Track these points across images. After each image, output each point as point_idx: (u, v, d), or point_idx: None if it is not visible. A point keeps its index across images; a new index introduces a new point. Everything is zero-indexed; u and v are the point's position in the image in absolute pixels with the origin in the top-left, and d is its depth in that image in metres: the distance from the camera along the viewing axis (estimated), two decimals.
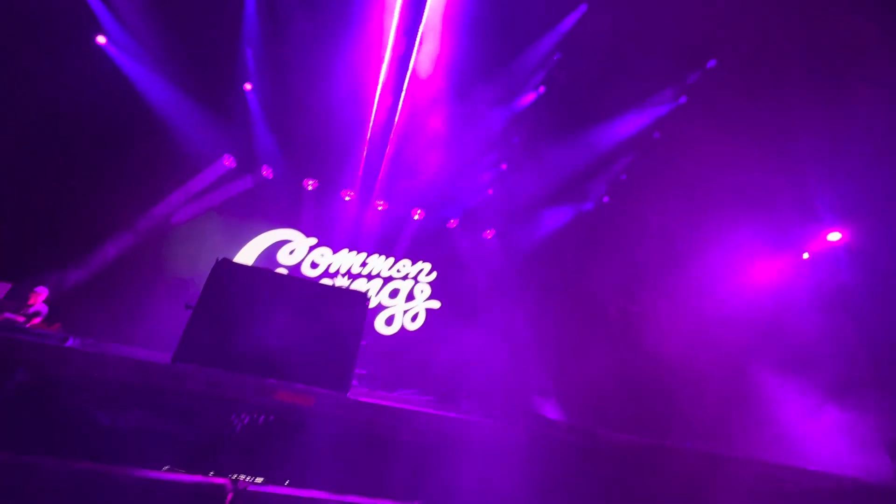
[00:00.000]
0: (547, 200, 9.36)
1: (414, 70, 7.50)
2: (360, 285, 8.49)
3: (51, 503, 2.05)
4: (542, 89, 8.17)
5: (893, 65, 6.30)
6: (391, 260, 8.86)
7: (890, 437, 4.96)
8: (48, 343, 3.01)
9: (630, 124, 8.44)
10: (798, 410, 6.30)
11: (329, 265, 8.40)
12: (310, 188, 8.43)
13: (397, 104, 7.83)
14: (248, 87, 7.53)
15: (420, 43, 7.13)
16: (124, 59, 6.89)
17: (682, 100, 8.10)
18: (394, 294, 8.71)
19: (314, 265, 8.30)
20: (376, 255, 8.78)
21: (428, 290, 8.94)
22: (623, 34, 7.32)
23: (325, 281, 8.19)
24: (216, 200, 7.85)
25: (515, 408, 4.03)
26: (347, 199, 8.69)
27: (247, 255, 7.80)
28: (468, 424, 3.25)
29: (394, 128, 8.07)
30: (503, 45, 7.68)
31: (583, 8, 7.23)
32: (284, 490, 2.36)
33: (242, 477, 2.42)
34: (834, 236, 7.56)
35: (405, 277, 8.88)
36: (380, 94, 7.72)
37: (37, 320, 4.97)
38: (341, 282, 8.35)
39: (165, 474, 2.31)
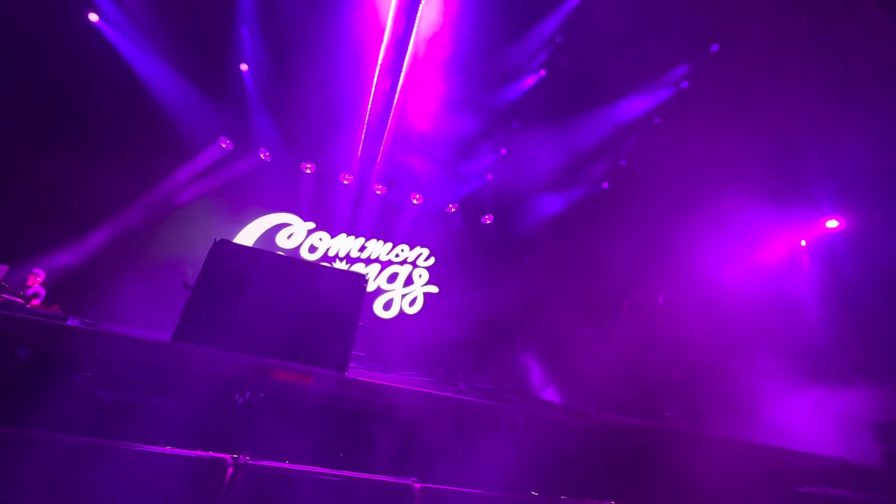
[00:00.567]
0: (546, 186, 9.32)
1: (413, 53, 7.39)
2: (358, 270, 8.52)
3: (54, 476, 2.10)
4: (542, 73, 8.07)
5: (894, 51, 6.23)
6: (389, 244, 8.87)
7: (877, 420, 5.06)
8: (48, 322, 3.03)
9: (631, 109, 8.37)
10: (789, 394, 6.39)
11: (327, 249, 8.41)
12: (308, 172, 8.38)
13: (396, 87, 7.74)
14: (244, 67, 7.42)
15: (419, 24, 7.02)
16: (118, 37, 6.78)
17: (684, 85, 8.01)
18: (392, 278, 8.74)
19: (312, 249, 8.30)
20: (375, 240, 8.78)
21: (426, 275, 8.97)
22: (625, 18, 7.22)
23: (324, 265, 8.20)
24: (214, 183, 7.81)
25: (511, 389, 4.09)
26: (346, 182, 8.65)
27: (245, 238, 7.80)
28: (464, 404, 3.30)
29: (392, 111, 7.99)
30: (504, 27, 7.56)
31: None
32: (283, 465, 2.42)
33: (242, 454, 2.47)
34: (832, 223, 7.58)
35: (403, 262, 8.90)
36: (378, 77, 7.63)
37: (35, 302, 4.99)
38: (340, 266, 8.37)
39: (167, 449, 2.37)
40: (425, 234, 9.17)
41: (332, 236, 8.52)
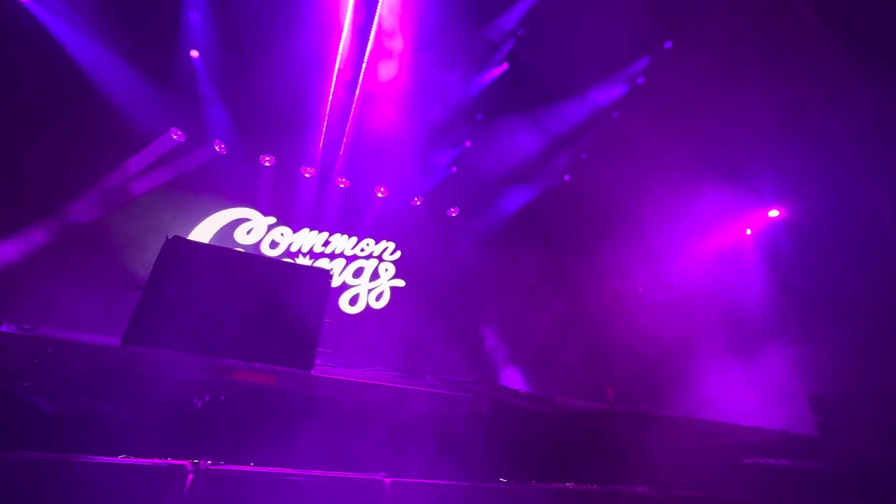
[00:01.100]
0: (510, 178, 9.44)
1: (375, 43, 7.25)
2: (322, 265, 8.34)
3: None
4: (505, 66, 8.12)
5: (832, 53, 6.69)
6: (354, 239, 8.73)
7: (812, 393, 5.51)
8: None
9: (591, 103, 8.59)
10: (735, 373, 6.84)
11: (290, 244, 8.18)
12: (267, 164, 8.09)
13: (358, 78, 7.58)
14: (194, 54, 7.04)
15: (380, 14, 6.89)
16: (51, 19, 6.25)
17: (640, 80, 8.30)
18: (358, 273, 8.62)
19: (274, 245, 8.05)
20: (339, 234, 8.62)
21: (392, 269, 8.90)
22: (586, 11, 7.36)
23: (286, 261, 7.98)
24: (165, 177, 7.39)
25: (479, 380, 4.16)
26: (307, 176, 8.42)
27: (201, 234, 7.46)
28: (432, 397, 3.32)
29: (354, 103, 7.83)
30: (467, 18, 7.54)
31: None
32: (247, 468, 2.35)
33: (203, 460, 2.38)
34: (773, 213, 8.13)
35: (369, 256, 8.79)
36: (339, 67, 7.44)
37: None
38: (303, 261, 8.17)
39: (120, 459, 2.24)
40: (391, 227, 9.09)
41: (295, 231, 8.29)
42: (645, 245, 8.57)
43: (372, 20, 6.88)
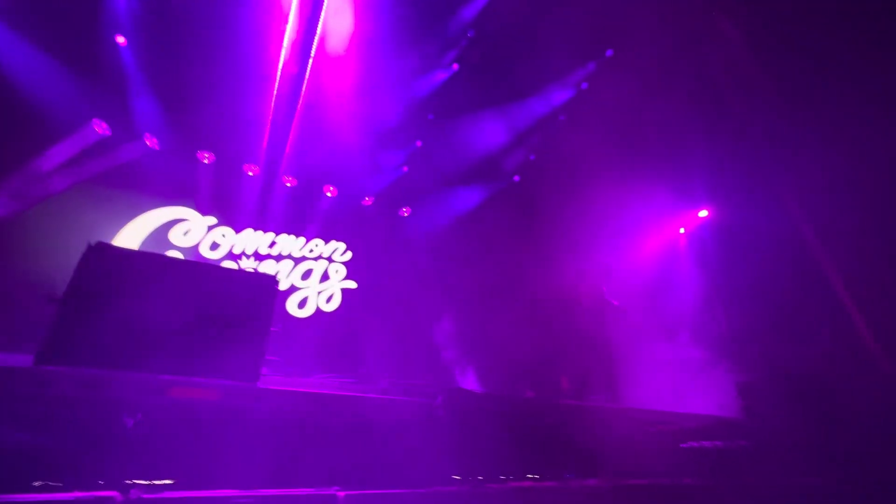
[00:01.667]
0: (462, 178, 9.51)
1: (322, 37, 7.01)
2: (268, 267, 7.96)
3: None
4: (455, 66, 8.16)
5: (755, 66, 7.32)
6: (302, 239, 8.41)
7: (739, 380, 6.02)
8: None
9: (540, 105, 8.84)
10: (671, 363, 7.34)
11: (232, 246, 7.73)
12: (206, 161, 7.58)
13: (304, 72, 7.30)
14: (120, 41, 6.44)
15: (328, 7, 6.66)
16: None
17: (584, 86, 8.65)
18: (306, 275, 8.31)
19: (214, 246, 7.57)
20: (286, 235, 8.26)
21: (343, 271, 8.67)
22: (534, 16, 7.55)
23: (228, 263, 7.53)
24: (86, 173, 6.71)
25: (435, 383, 4.14)
26: (251, 174, 7.99)
27: (130, 235, 6.86)
28: (387, 403, 3.25)
29: (301, 98, 7.53)
30: (418, 18, 7.48)
31: None
32: (185, 493, 2.18)
33: (136, 484, 2.18)
34: (703, 213, 8.78)
35: (318, 258, 8.51)
36: (285, 59, 7.12)
37: None
38: (247, 263, 7.76)
39: (35, 496, 2.00)
40: (341, 227, 8.85)
41: (237, 232, 7.84)
42: (590, 243, 8.95)
43: (319, 12, 6.64)
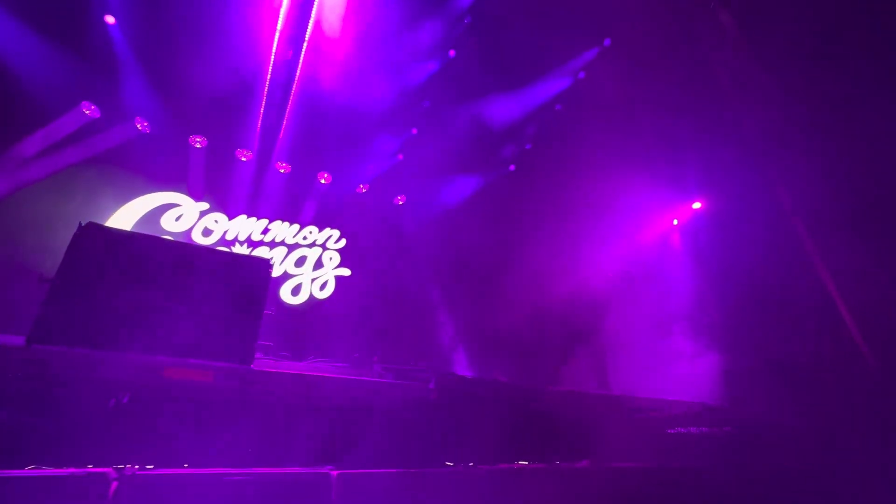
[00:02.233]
0: (457, 167, 9.47)
1: (317, 23, 6.91)
2: (262, 254, 7.93)
3: None
4: (452, 53, 8.08)
5: (748, 60, 7.33)
6: (296, 226, 8.36)
7: (727, 369, 6.17)
8: None
9: (536, 95, 8.79)
10: (662, 352, 7.46)
11: (225, 232, 7.67)
12: (198, 146, 7.49)
13: (299, 57, 7.20)
14: (110, 20, 6.30)
15: None
16: None
17: (581, 75, 8.62)
18: (300, 262, 8.29)
19: (207, 232, 7.51)
20: (279, 222, 8.21)
21: (337, 258, 8.66)
22: (532, 3, 7.49)
23: (221, 250, 7.49)
24: (75, 157, 6.59)
25: (426, 368, 4.18)
26: (244, 160, 7.91)
27: (121, 220, 6.79)
28: (380, 387, 3.29)
29: (295, 83, 7.44)
30: (414, 3, 7.39)
31: None
32: (179, 470, 2.20)
33: (129, 465, 2.20)
34: (696, 205, 8.84)
35: (312, 245, 8.47)
36: (279, 43, 7.01)
37: None
38: (240, 250, 7.72)
39: (32, 472, 2.01)
40: (335, 215, 8.80)
41: (230, 218, 7.79)
42: (584, 232, 9.00)
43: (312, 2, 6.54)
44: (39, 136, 6.29)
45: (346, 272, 8.67)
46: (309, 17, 6.83)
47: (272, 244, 8.08)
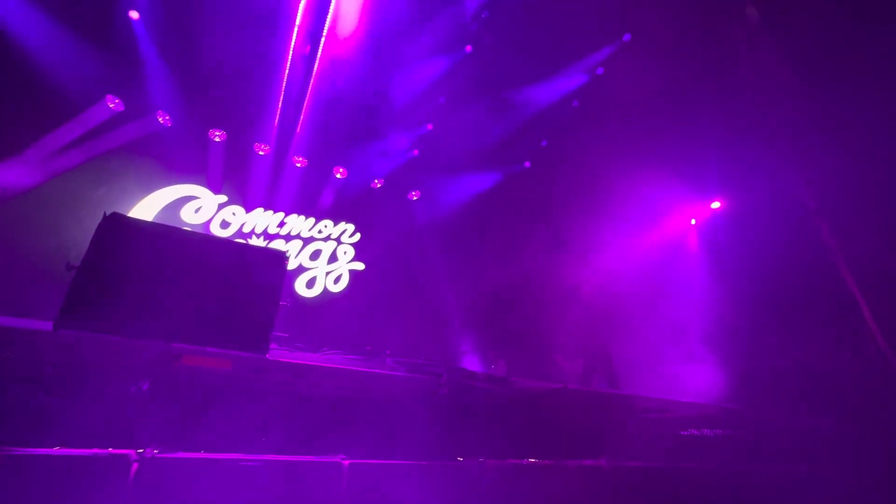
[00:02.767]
0: (472, 163, 9.45)
1: (335, 18, 6.95)
2: (277, 246, 8.05)
3: None
4: (468, 48, 8.05)
5: (774, 55, 7.14)
6: (312, 220, 8.46)
7: (742, 371, 6.06)
8: None
9: (553, 90, 8.70)
10: (677, 352, 7.36)
11: (242, 225, 7.80)
12: (217, 140, 7.62)
13: (316, 53, 7.26)
14: (134, 15, 6.44)
15: None
16: None
17: (599, 71, 8.49)
18: (315, 255, 8.39)
19: (225, 224, 7.65)
20: (295, 215, 8.31)
21: (351, 252, 8.73)
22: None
23: (240, 241, 7.62)
24: (99, 149, 6.77)
25: (438, 362, 4.21)
26: (262, 153, 8.02)
27: (142, 211, 6.96)
28: (392, 379, 3.32)
29: (312, 80, 7.51)
30: None
31: None
32: (196, 455, 2.27)
33: (149, 448, 2.27)
34: (715, 204, 8.67)
35: (327, 238, 8.56)
36: (296, 40, 7.08)
37: None
38: (256, 243, 7.84)
39: (56, 450, 2.09)
40: (350, 209, 8.88)
41: (248, 211, 7.91)
42: (600, 231, 8.91)
43: None
44: (66, 129, 6.47)
45: (360, 266, 8.74)
46: (327, 12, 6.88)
47: (288, 237, 8.19)
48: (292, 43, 7.09)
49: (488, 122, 8.93)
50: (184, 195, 7.39)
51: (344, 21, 7.09)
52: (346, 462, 2.47)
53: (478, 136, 9.11)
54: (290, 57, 7.23)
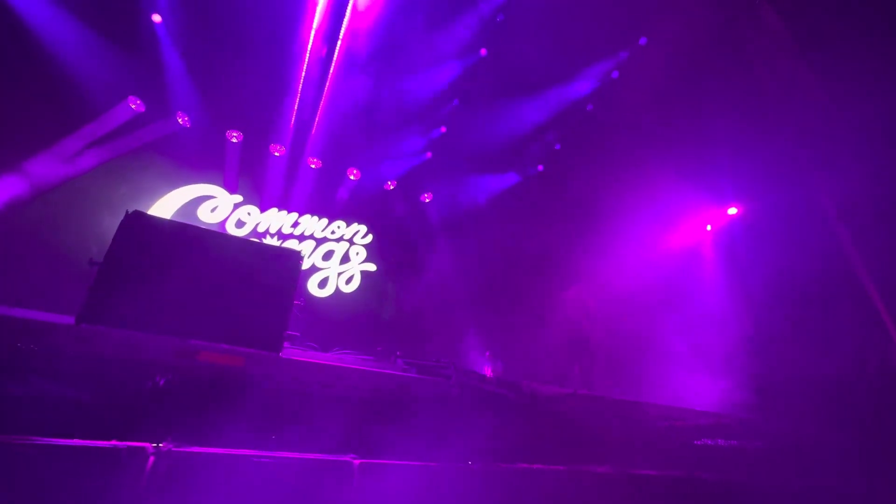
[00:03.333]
0: (485, 166, 9.46)
1: (350, 20, 7.03)
2: (291, 246, 8.15)
3: None
4: (483, 52, 8.06)
5: (794, 57, 7.01)
6: (325, 220, 8.55)
7: (760, 380, 5.92)
8: None
9: (567, 94, 8.66)
10: (690, 359, 7.23)
11: (257, 224, 7.92)
12: (234, 141, 7.75)
13: (332, 56, 7.35)
14: (156, 18, 6.60)
15: None
16: None
17: (615, 75, 8.43)
18: (328, 256, 8.47)
19: (240, 224, 7.77)
20: (309, 216, 8.41)
21: (364, 253, 8.80)
22: (565, 3, 7.38)
23: (254, 240, 7.74)
24: (122, 149, 6.95)
25: (449, 364, 4.21)
26: (277, 154, 8.13)
27: (161, 210, 7.11)
28: (402, 380, 3.33)
29: (328, 82, 7.59)
30: (446, 1, 7.41)
31: None
32: (211, 449, 2.30)
33: (165, 442, 2.31)
34: (732, 210, 8.52)
35: (340, 239, 8.64)
36: (313, 43, 7.17)
37: None
38: (270, 242, 7.95)
39: (74, 441, 2.14)
40: (363, 210, 8.95)
41: (262, 211, 8.03)
42: (612, 236, 8.83)
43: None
44: (90, 128, 6.65)
45: (371, 267, 8.80)
46: (343, 16, 6.96)
47: (301, 237, 8.28)
48: (309, 46, 7.18)
49: (502, 125, 8.93)
50: (201, 194, 7.53)
51: (360, 24, 7.16)
52: (357, 462, 2.49)
53: (491, 139, 9.11)
54: (306, 60, 7.33)
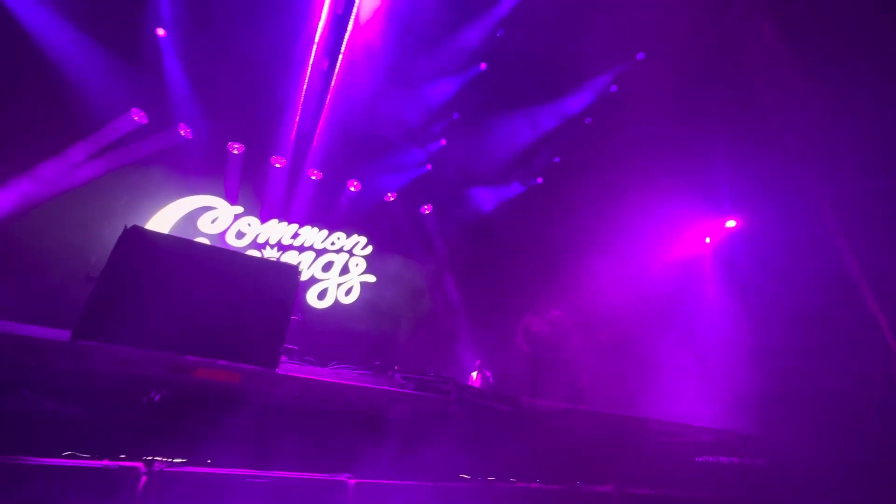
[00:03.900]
0: (485, 178, 9.50)
1: (352, 35, 7.12)
2: (291, 257, 8.15)
3: None
4: (483, 66, 8.15)
5: (793, 71, 7.06)
6: (325, 232, 8.56)
7: (760, 396, 5.87)
8: None
9: (566, 107, 8.73)
10: (690, 374, 7.18)
11: (257, 235, 7.93)
12: (235, 152, 7.80)
13: (334, 68, 7.43)
14: (160, 32, 6.69)
15: (359, 6, 6.77)
16: None
17: (613, 88, 8.50)
18: (327, 267, 8.46)
19: (240, 235, 7.78)
20: (309, 227, 8.42)
21: (363, 264, 8.79)
22: (564, 17, 7.47)
23: (253, 252, 7.74)
24: (124, 160, 6.98)
25: (447, 379, 4.18)
26: (278, 166, 8.17)
27: (161, 221, 7.12)
28: (400, 397, 3.30)
29: (329, 94, 7.66)
30: (447, 15, 7.51)
31: None
32: (204, 469, 2.28)
33: (158, 459, 2.29)
34: (731, 223, 8.52)
35: (339, 250, 8.64)
36: (315, 56, 7.26)
37: None
38: (270, 253, 7.95)
39: (67, 461, 2.12)
40: (363, 222, 8.97)
41: (263, 222, 8.05)
42: (610, 249, 8.82)
43: (350, 11, 6.75)
44: (93, 139, 6.70)
45: (371, 279, 8.79)
46: (345, 30, 7.05)
47: (301, 248, 8.29)
48: (311, 59, 7.26)
49: (501, 138, 8.99)
50: (201, 205, 7.55)
51: (361, 37, 7.25)
52: (352, 481, 2.46)
53: (490, 152, 9.17)
54: (308, 72, 7.40)
